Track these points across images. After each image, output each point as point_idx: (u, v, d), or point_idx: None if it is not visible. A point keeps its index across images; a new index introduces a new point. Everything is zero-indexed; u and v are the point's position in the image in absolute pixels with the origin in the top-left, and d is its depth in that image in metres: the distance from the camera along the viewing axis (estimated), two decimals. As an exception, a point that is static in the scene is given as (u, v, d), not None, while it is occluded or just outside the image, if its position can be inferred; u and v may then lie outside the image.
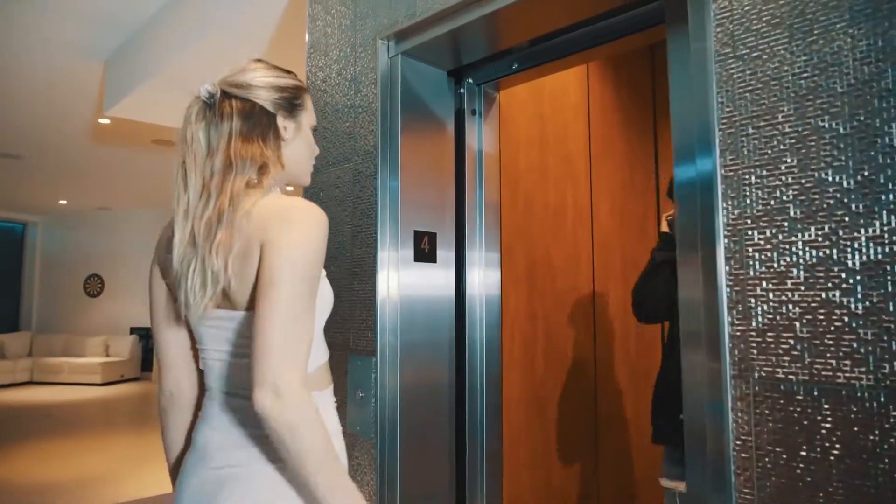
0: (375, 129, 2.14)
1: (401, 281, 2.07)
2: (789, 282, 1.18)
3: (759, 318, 1.21)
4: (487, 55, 2.25)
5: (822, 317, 1.13)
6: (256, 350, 1.01)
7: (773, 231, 1.20)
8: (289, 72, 1.31)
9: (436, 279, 2.19)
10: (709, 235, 1.29)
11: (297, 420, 0.99)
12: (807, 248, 1.16)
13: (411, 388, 2.05)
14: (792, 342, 1.16)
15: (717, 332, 1.26)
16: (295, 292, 1.05)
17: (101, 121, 6.47)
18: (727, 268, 1.26)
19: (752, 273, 1.23)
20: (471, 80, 2.40)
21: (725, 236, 1.27)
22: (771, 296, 1.20)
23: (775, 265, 1.20)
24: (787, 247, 1.18)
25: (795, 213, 1.18)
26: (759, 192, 1.23)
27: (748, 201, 1.24)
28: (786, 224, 1.19)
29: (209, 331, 1.21)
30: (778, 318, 1.19)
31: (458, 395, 2.24)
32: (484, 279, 2.34)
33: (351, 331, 2.14)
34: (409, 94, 2.14)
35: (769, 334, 1.20)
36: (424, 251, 2.14)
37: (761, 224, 1.22)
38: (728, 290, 1.26)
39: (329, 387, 1.29)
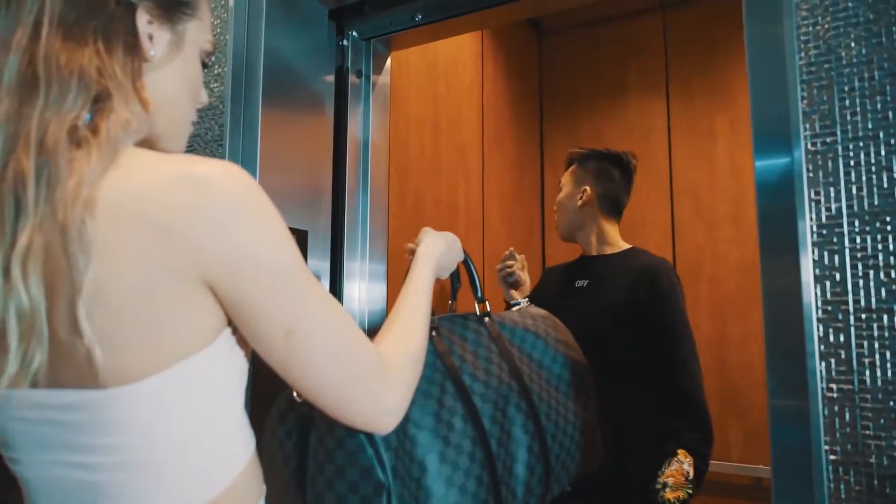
0: (224, 73, 1.45)
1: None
2: (932, 317, 0.76)
3: (879, 374, 0.78)
4: (380, -3, 1.68)
5: None
6: (326, 405, 0.69)
7: (904, 237, 0.78)
8: None
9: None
10: (786, 243, 0.84)
11: (409, 382, 0.75)
12: (962, 265, 0.75)
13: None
14: (948, 414, 0.74)
15: (803, 391, 0.81)
16: (319, 303, 0.66)
17: None
18: (817, 291, 0.82)
19: (862, 303, 0.79)
20: (356, 33, 1.80)
21: (814, 244, 0.82)
22: (904, 338, 0.77)
23: (907, 290, 0.77)
24: (930, 262, 0.76)
25: (942, 209, 0.76)
26: (874, 178, 0.80)
27: (854, 191, 0.81)
28: (924, 226, 0.77)
29: (28, 428, 0.62)
30: (916, 373, 0.76)
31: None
32: (367, 293, 1.75)
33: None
34: (275, 32, 1.48)
35: (896, 398, 0.77)
36: (291, 257, 1.49)
37: (878, 226, 0.79)
38: (820, 326, 0.81)
39: (260, 500, 0.71)
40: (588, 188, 1.79)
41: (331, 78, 1.68)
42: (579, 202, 1.79)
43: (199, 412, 0.62)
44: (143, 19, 0.66)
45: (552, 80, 3.22)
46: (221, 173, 0.59)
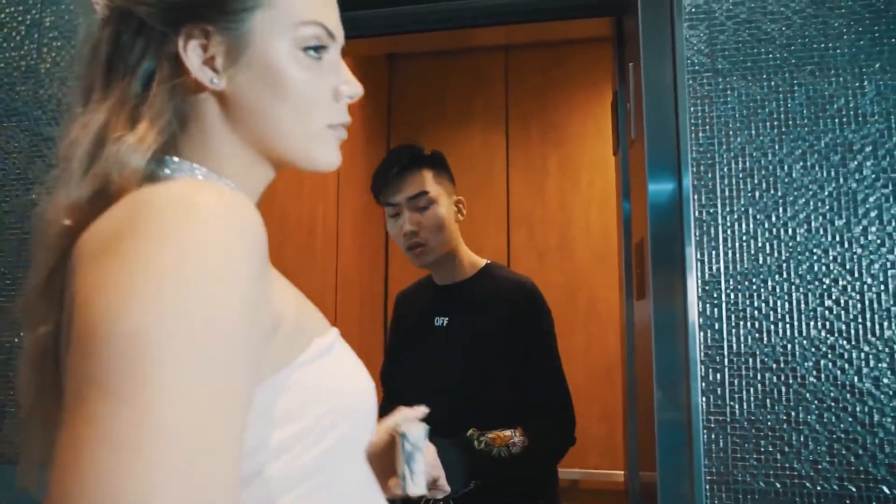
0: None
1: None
2: (781, 360, 0.94)
3: (745, 407, 0.95)
4: None
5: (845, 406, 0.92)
6: None
7: (768, 290, 0.96)
8: None
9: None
10: (676, 295, 0.99)
11: None
12: (825, 316, 0.95)
13: None
14: (801, 439, 0.93)
15: (688, 423, 0.96)
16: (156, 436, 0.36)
17: None
18: (701, 337, 0.97)
19: (734, 348, 0.96)
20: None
21: (699, 298, 0.98)
22: (767, 377, 0.94)
23: (767, 337, 0.95)
24: (789, 316, 0.95)
25: (794, 268, 0.96)
26: (744, 245, 0.98)
27: (729, 255, 0.98)
28: (792, 282, 0.96)
29: None
30: (773, 406, 0.94)
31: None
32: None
33: (6, 420, 1.19)
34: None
35: (758, 427, 0.94)
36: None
37: (746, 284, 0.97)
38: (702, 367, 0.97)
39: None
40: (460, 197, 1.47)
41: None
42: (459, 216, 1.45)
43: None
44: (182, 42, 0.51)
45: (401, 105, 3.30)
46: (164, 192, 0.42)
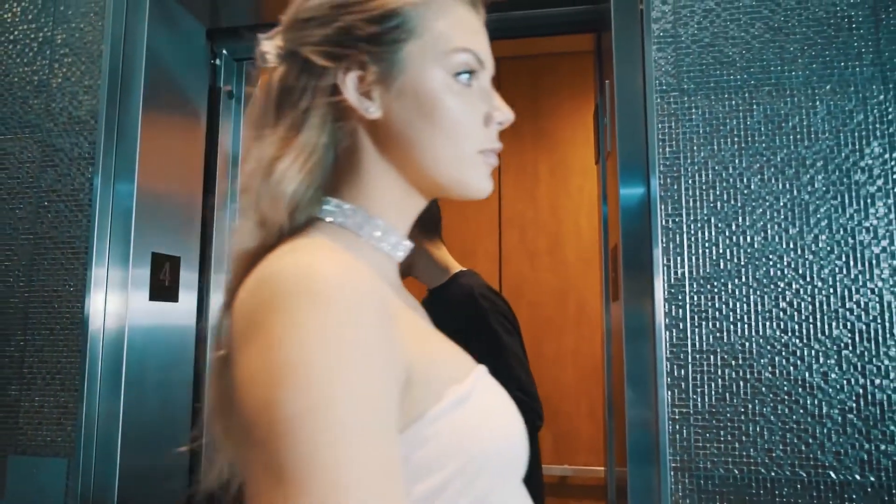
0: (98, 84, 1.35)
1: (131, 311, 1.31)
2: (739, 357, 1.03)
3: (706, 400, 1.03)
4: (254, 24, 1.69)
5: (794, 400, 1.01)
6: None
7: (728, 293, 1.04)
8: None
9: (176, 310, 1.49)
10: (645, 297, 1.07)
11: None
12: (774, 317, 1.03)
13: (142, 482, 1.30)
14: (757, 429, 1.01)
15: (655, 415, 1.04)
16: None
17: None
18: (667, 336, 1.05)
19: (697, 346, 1.04)
20: (226, 52, 1.77)
21: (665, 300, 1.06)
22: (727, 372, 1.03)
23: (727, 336, 1.03)
24: (747, 316, 1.04)
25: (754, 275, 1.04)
26: (706, 251, 1.06)
27: (693, 260, 1.06)
28: (750, 288, 1.04)
29: None
30: (732, 399, 1.02)
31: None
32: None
33: (21, 414, 1.26)
34: (156, 44, 1.42)
35: (719, 418, 1.02)
36: (164, 285, 1.42)
37: (708, 287, 1.05)
38: (667, 364, 1.05)
39: None
40: None
41: (204, 96, 1.64)
42: None
43: None
44: (341, 76, 0.55)
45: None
46: (291, 269, 0.45)
